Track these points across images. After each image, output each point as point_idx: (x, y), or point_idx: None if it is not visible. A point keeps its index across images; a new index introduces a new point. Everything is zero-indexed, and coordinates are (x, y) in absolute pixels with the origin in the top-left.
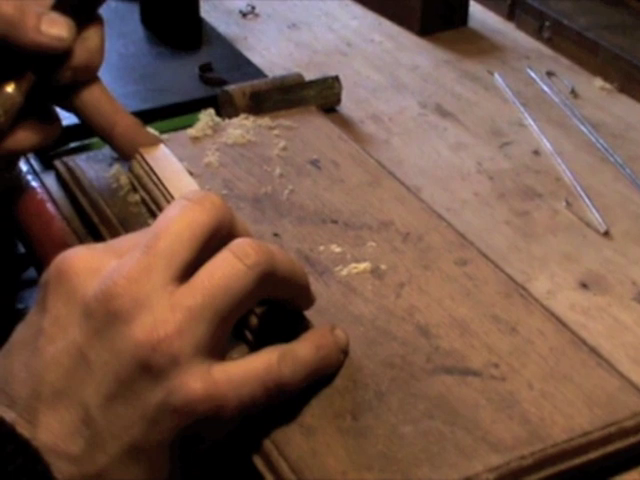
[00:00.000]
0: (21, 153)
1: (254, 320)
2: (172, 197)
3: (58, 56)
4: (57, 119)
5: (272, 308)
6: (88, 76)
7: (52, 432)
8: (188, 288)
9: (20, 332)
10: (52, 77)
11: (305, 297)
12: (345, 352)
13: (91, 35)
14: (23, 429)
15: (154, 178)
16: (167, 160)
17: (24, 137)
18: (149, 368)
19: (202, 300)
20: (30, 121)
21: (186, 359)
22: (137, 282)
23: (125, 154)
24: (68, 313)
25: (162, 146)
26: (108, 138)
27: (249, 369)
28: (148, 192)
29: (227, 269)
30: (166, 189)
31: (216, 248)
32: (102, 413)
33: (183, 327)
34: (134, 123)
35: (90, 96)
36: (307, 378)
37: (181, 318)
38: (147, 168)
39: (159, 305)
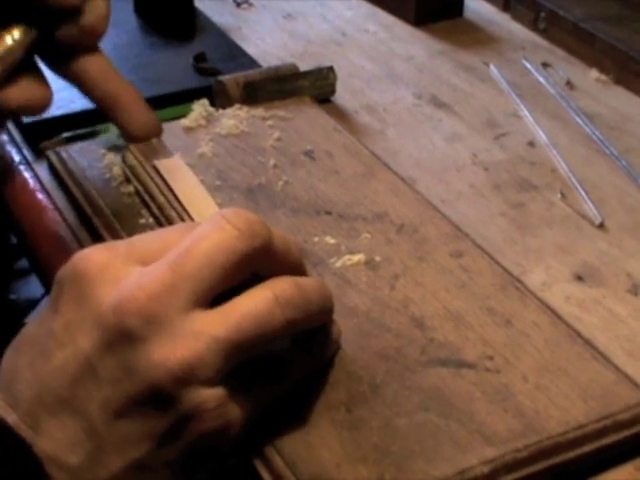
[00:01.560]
0: (8, 113)
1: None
2: (170, 190)
3: (67, 13)
4: (49, 86)
5: None
6: (93, 40)
7: (52, 440)
8: (216, 315)
9: (31, 329)
10: (58, 34)
11: (328, 319)
12: (337, 343)
13: (99, 2)
14: (24, 434)
15: (149, 169)
16: (181, 173)
17: (15, 95)
18: (162, 392)
19: (229, 333)
20: (23, 81)
21: (201, 385)
22: (158, 301)
23: (128, 129)
24: (81, 319)
25: (176, 157)
26: (110, 110)
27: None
28: (142, 183)
29: (264, 310)
30: (180, 204)
31: (246, 274)
32: (108, 428)
33: (203, 356)
34: (138, 97)
35: (93, 64)
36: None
37: (203, 347)
38: (142, 160)
39: (179, 329)
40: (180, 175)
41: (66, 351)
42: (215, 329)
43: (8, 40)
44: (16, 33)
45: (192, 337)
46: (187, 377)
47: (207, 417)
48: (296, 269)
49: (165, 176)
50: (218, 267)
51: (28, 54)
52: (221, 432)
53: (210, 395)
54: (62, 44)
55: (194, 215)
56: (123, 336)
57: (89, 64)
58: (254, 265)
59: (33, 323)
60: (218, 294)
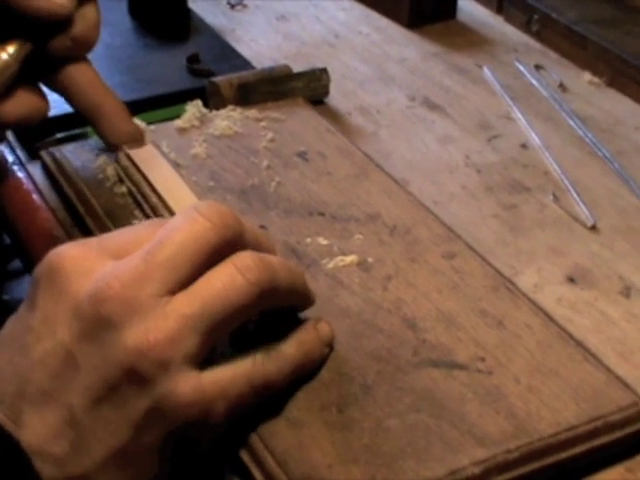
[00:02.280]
0: (7, 126)
1: (251, 327)
2: (158, 194)
3: (58, 25)
4: (45, 97)
5: (270, 312)
6: (85, 50)
7: (36, 433)
8: (185, 296)
9: (10, 327)
10: (50, 46)
11: (304, 302)
12: (330, 345)
13: (89, 10)
14: (9, 429)
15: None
16: (155, 161)
17: (13, 109)
18: (138, 374)
19: (198, 310)
20: (20, 94)
21: (175, 366)
22: (131, 288)
23: (107, 138)
24: (58, 313)
25: (149, 146)
26: (92, 119)
27: (236, 371)
28: (135, 183)
29: (227, 281)
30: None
31: (217, 263)
32: (88, 416)
33: (175, 335)
34: (120, 108)
35: (79, 74)
36: (292, 374)
37: (174, 325)
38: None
39: (151, 312)
40: (154, 164)
41: (45, 344)
42: (183, 308)
43: (3, 56)
44: (10, 48)
45: (163, 318)
46: (161, 358)
47: (184, 402)
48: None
49: (139, 165)
50: (189, 255)
51: (23, 67)
52: (202, 419)
53: (186, 379)
54: (54, 56)
55: (169, 201)
56: (99, 324)
57: (76, 74)
58: (224, 254)
59: (11, 321)
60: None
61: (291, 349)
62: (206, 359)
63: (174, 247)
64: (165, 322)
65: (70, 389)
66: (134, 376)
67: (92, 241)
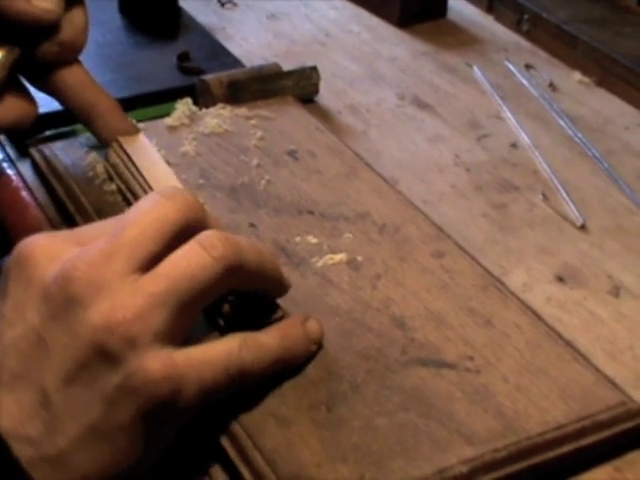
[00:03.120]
0: None
1: (226, 307)
2: (150, 187)
3: (45, 30)
4: (34, 100)
5: (245, 296)
6: (73, 54)
7: (11, 416)
8: (151, 275)
9: None
10: (38, 51)
11: (277, 286)
12: (317, 343)
13: (77, 14)
14: None
15: (131, 167)
16: (146, 150)
17: (3, 115)
18: (106, 352)
19: (164, 287)
20: (9, 99)
21: (144, 343)
22: (97, 267)
23: (103, 136)
24: (27, 298)
25: (141, 136)
26: (86, 119)
27: (210, 353)
28: (124, 181)
29: (192, 259)
30: (144, 179)
31: (181, 243)
32: (60, 396)
33: (143, 312)
34: (114, 106)
35: (71, 76)
36: (270, 366)
37: (141, 303)
38: (125, 157)
39: (119, 290)
40: (144, 152)
41: (16, 329)
42: (149, 286)
43: None
44: None
45: (130, 295)
46: (129, 335)
47: (154, 377)
48: None
49: (129, 152)
50: (152, 233)
51: (11, 72)
52: (173, 397)
53: (156, 355)
54: (42, 60)
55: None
56: (67, 303)
57: (67, 76)
58: (188, 234)
59: None
60: None
61: (272, 340)
62: (185, 341)
63: (138, 227)
64: (133, 299)
65: (42, 370)
66: (103, 353)
67: (61, 232)
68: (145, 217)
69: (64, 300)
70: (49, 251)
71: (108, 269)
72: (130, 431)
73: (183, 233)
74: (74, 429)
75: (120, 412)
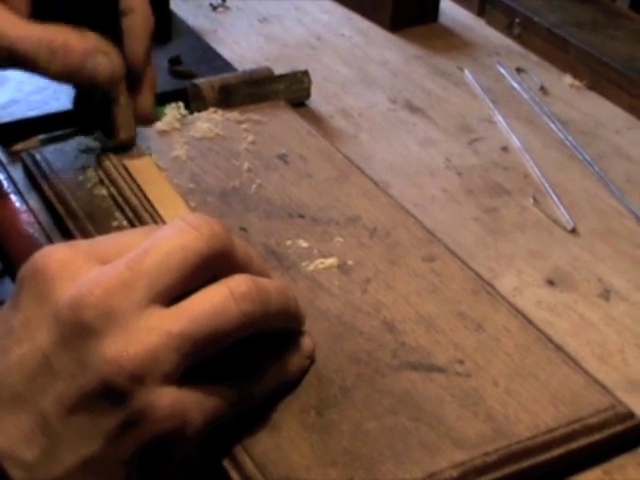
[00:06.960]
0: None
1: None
2: (143, 194)
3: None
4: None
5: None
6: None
7: (7, 436)
8: (172, 312)
9: None
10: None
11: (294, 324)
12: (310, 358)
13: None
14: None
15: (123, 173)
16: (150, 172)
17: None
18: (113, 387)
19: (184, 329)
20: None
21: (153, 383)
22: (113, 296)
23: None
24: (39, 316)
25: (147, 157)
26: (135, 76)
27: (214, 390)
28: (115, 185)
29: (219, 306)
30: (137, 185)
31: (208, 280)
32: (61, 424)
33: (156, 351)
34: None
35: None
36: (274, 389)
37: (156, 341)
38: (130, 179)
39: (134, 323)
40: (151, 176)
41: (23, 347)
42: (169, 324)
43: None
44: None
45: (146, 332)
46: (139, 373)
47: (160, 416)
48: (260, 275)
49: (135, 176)
50: (175, 265)
51: None
52: (176, 433)
53: (164, 394)
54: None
55: (164, 216)
56: (79, 330)
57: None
58: (214, 267)
59: None
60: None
61: (273, 370)
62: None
63: (160, 255)
64: (148, 337)
65: (45, 395)
66: (110, 388)
67: (82, 244)
68: (168, 244)
69: (76, 326)
70: (67, 268)
71: (125, 298)
72: (128, 466)
73: (208, 265)
74: (71, 459)
75: (121, 447)
